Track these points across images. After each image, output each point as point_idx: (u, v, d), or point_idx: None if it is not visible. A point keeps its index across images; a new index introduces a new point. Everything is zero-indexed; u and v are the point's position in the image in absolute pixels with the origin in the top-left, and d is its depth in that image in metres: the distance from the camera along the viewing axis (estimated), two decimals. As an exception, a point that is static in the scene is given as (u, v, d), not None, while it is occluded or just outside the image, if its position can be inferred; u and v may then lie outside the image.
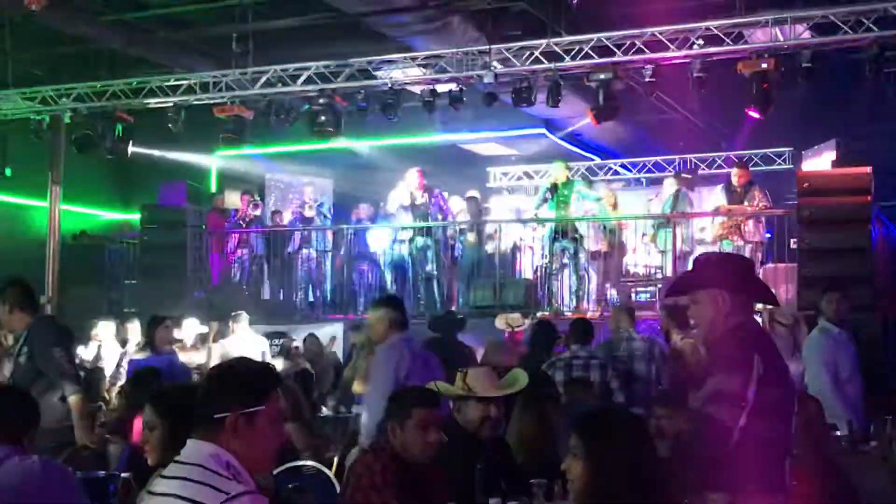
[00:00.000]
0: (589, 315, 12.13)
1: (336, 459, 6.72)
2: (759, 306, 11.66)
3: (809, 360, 7.75)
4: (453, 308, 13.67)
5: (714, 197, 13.73)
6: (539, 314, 12.62)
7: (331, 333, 13.14)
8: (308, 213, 15.61)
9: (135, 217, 15.79)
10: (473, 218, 14.84)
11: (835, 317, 7.87)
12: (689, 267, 4.20)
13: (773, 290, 11.80)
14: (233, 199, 16.80)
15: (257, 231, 15.73)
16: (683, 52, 11.34)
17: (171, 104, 13.63)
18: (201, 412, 3.00)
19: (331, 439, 8.44)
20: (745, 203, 13.05)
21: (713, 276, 3.92)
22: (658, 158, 18.69)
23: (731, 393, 3.62)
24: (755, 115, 11.56)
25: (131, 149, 14.30)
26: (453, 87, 12.60)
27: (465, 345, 9.75)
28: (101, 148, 14.14)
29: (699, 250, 13.59)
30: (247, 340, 11.29)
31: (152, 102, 13.83)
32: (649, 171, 18.94)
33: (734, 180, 13.27)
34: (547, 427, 5.36)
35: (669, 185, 14.36)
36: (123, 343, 11.52)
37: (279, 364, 9.12)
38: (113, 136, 13.96)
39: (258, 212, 15.98)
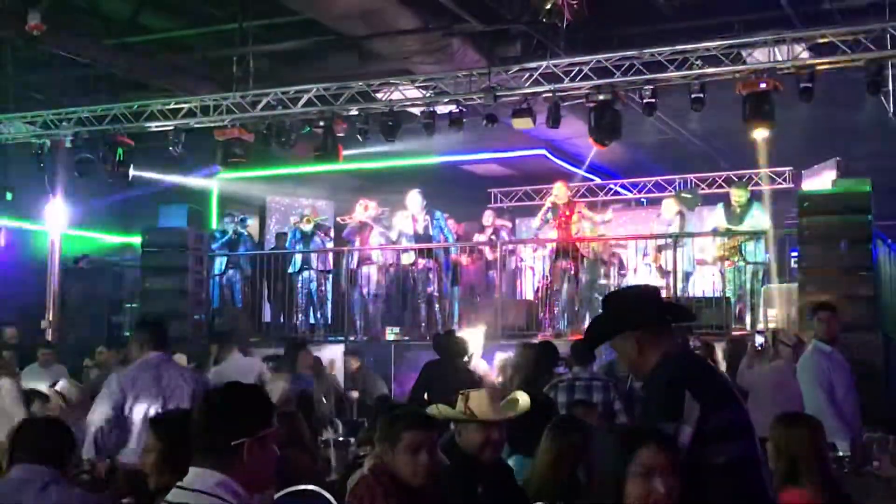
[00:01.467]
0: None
1: (336, 483, 6.69)
2: (761, 326, 11.75)
3: (804, 380, 7.72)
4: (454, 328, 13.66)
5: (714, 216, 13.74)
6: (540, 335, 12.63)
7: (330, 357, 13.09)
8: (305, 226, 15.50)
9: (136, 240, 15.80)
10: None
11: (826, 336, 7.85)
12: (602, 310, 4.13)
13: (772, 310, 11.91)
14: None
15: (260, 252, 15.72)
16: (682, 73, 11.37)
17: (171, 127, 13.66)
18: (208, 441, 2.96)
19: (331, 463, 8.40)
20: (745, 223, 13.06)
21: (617, 319, 3.84)
22: (658, 178, 18.72)
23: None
24: (764, 132, 11.59)
25: (132, 172, 14.31)
26: (453, 108, 12.64)
27: (468, 369, 9.75)
28: (101, 171, 14.16)
29: (700, 271, 13.59)
30: (241, 364, 11.31)
31: (153, 126, 13.86)
32: (650, 191, 18.96)
33: (734, 200, 13.29)
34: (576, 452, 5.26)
35: (669, 207, 14.34)
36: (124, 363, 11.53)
37: (279, 386, 9.08)
38: (114, 159, 13.98)
39: (247, 228, 16.07)
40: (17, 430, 4.71)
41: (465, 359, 9.87)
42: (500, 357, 11.41)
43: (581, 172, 18.64)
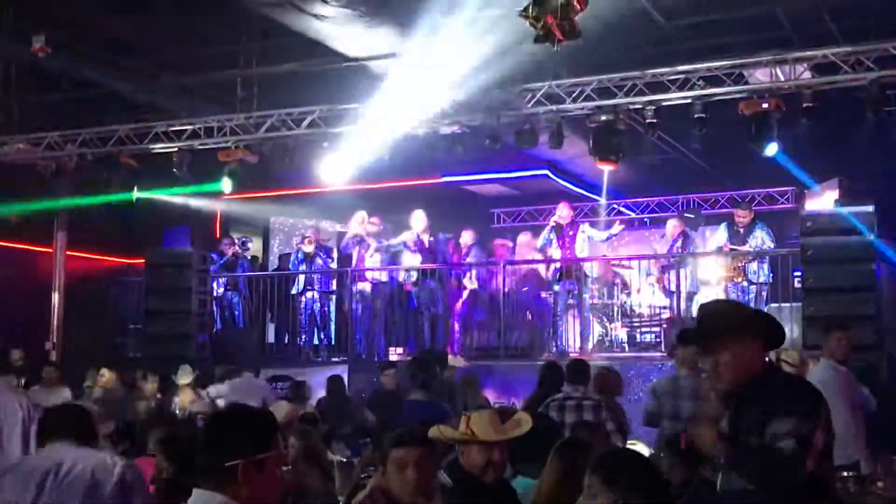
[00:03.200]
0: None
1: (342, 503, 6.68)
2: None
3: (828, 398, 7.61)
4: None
5: (717, 237, 13.76)
6: (545, 356, 12.63)
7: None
8: (307, 247, 15.52)
9: (139, 261, 15.82)
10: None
11: (839, 356, 7.83)
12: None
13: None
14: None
15: (261, 274, 15.75)
16: (684, 93, 11.41)
17: (175, 149, 13.70)
18: (207, 461, 2.98)
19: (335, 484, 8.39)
20: (749, 243, 13.07)
21: (737, 324, 3.90)
22: (661, 198, 18.74)
23: (803, 437, 3.64)
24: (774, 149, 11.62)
25: (136, 193, 14.35)
26: (456, 129, 12.68)
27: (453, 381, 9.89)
28: (106, 193, 14.19)
29: (703, 291, 13.58)
30: (244, 386, 11.33)
31: (157, 147, 13.90)
32: (653, 210, 18.98)
33: (737, 220, 13.30)
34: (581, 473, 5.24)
35: (673, 227, 14.38)
36: (131, 388, 11.57)
37: (283, 408, 9.06)
38: (118, 180, 14.03)
39: (248, 252, 16.11)
40: None
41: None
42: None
43: (584, 192, 18.69)
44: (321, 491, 6.27)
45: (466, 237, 15.17)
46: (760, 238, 13.08)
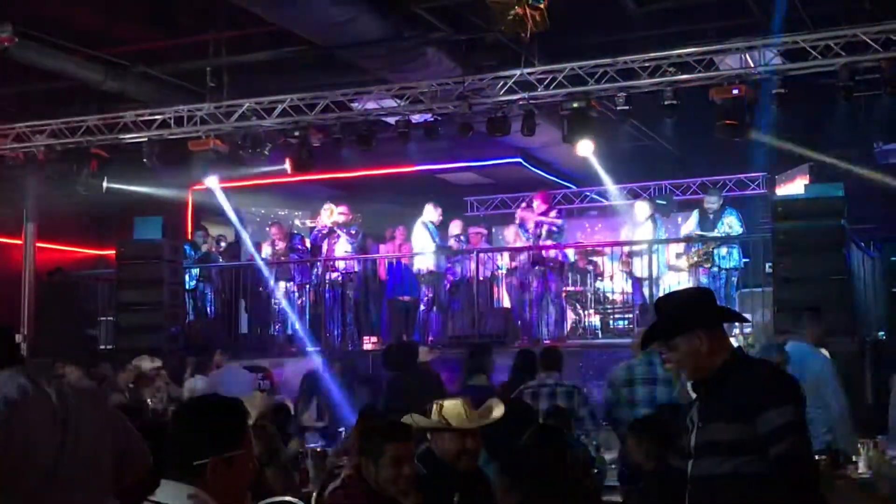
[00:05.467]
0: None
1: (315, 495, 6.66)
2: (737, 331, 11.80)
3: (824, 381, 7.55)
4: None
5: (688, 224, 13.80)
6: (517, 344, 12.65)
7: (310, 367, 13.03)
8: (280, 244, 15.48)
9: (110, 253, 15.70)
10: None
11: (814, 340, 7.88)
12: (653, 312, 4.16)
13: (749, 316, 11.97)
14: (213, 232, 16.79)
15: (235, 265, 15.66)
16: (655, 80, 11.42)
17: (145, 139, 13.59)
18: (176, 458, 2.93)
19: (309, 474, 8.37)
20: (718, 229, 13.11)
21: (687, 318, 3.89)
22: (633, 185, 18.77)
23: (801, 424, 3.68)
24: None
25: (106, 184, 14.22)
26: (428, 117, 12.66)
27: (431, 371, 9.84)
28: (75, 184, 14.06)
29: (672, 276, 13.62)
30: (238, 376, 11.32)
31: (127, 137, 13.79)
32: (625, 198, 18.99)
33: (706, 206, 13.35)
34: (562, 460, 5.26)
35: (642, 209, 14.30)
36: (102, 381, 11.45)
37: (258, 399, 9.01)
38: (87, 172, 13.90)
39: (222, 249, 16.07)
40: None
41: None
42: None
43: (556, 180, 18.72)
44: (279, 485, 6.27)
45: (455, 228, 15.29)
46: (728, 224, 13.11)
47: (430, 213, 14.55)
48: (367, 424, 5.34)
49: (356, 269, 14.83)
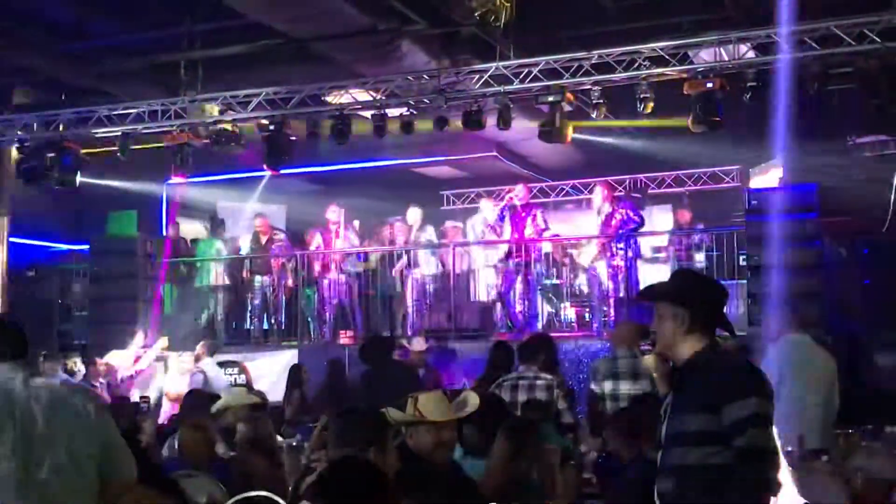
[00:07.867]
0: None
1: (290, 488, 6.65)
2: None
3: (815, 370, 7.70)
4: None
5: (664, 216, 13.85)
6: (495, 336, 12.66)
7: (286, 361, 13.01)
8: (263, 238, 15.38)
9: (85, 248, 15.61)
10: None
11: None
12: (636, 298, 4.23)
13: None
14: (186, 228, 16.68)
15: (215, 259, 15.56)
16: (630, 74, 11.45)
17: (118, 133, 13.50)
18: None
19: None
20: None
21: (683, 292, 3.93)
22: (609, 178, 18.78)
23: (763, 416, 3.68)
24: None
25: (80, 179, 14.13)
26: (404, 111, 12.64)
27: (404, 364, 9.83)
28: (49, 179, 13.95)
29: (645, 268, 13.64)
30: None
31: (100, 131, 13.70)
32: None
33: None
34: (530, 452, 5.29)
35: (599, 193, 14.14)
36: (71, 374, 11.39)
37: (239, 396, 8.91)
38: (61, 166, 13.80)
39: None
40: None
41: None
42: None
43: (532, 174, 18.73)
44: (267, 477, 6.24)
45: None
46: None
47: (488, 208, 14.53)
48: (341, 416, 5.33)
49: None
